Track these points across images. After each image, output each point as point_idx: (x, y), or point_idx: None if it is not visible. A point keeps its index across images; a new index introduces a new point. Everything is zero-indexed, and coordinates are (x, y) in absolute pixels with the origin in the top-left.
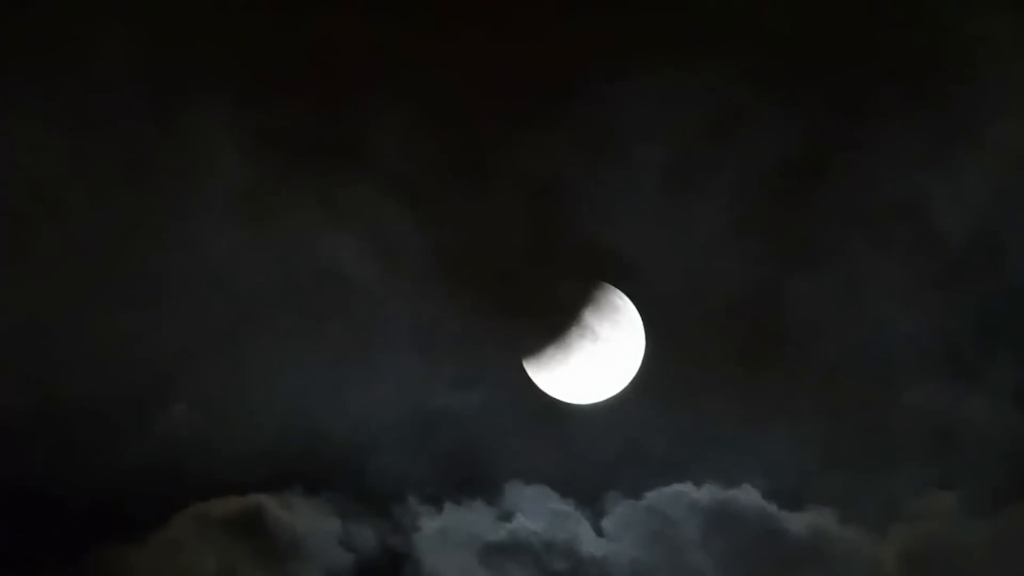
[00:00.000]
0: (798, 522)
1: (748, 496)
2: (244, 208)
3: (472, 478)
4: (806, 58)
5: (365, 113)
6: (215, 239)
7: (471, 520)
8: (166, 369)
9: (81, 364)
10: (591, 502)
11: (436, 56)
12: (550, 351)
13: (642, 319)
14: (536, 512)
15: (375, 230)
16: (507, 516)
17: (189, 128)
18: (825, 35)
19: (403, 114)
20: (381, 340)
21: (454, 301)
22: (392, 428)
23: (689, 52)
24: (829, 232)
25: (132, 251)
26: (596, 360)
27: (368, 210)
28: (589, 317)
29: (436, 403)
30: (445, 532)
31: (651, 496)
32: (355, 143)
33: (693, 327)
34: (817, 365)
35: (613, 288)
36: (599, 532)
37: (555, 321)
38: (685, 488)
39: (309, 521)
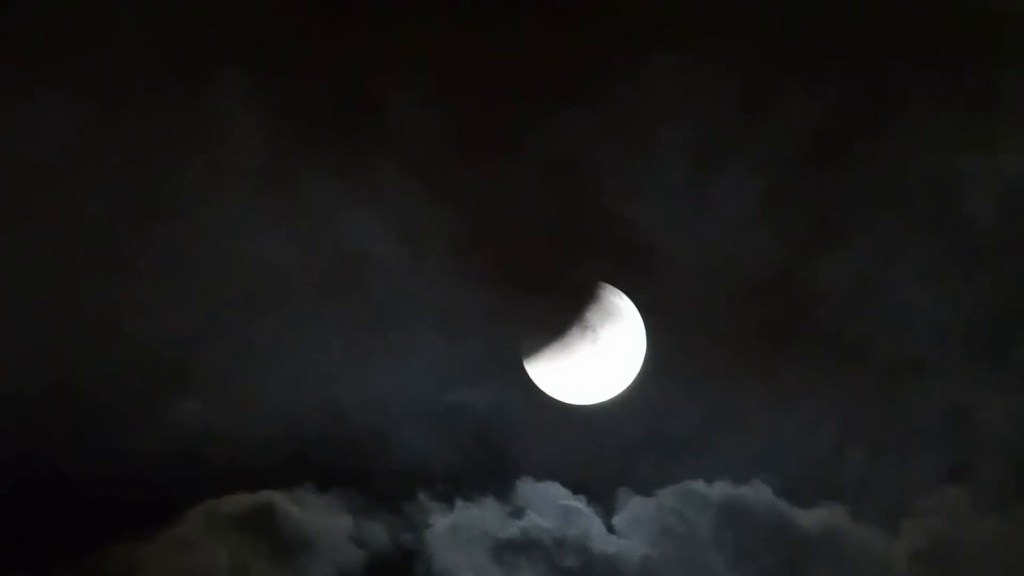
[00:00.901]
0: (809, 518)
1: (759, 493)
2: (262, 186)
3: (483, 474)
4: (832, 36)
5: (386, 91)
6: (232, 218)
7: (482, 517)
8: (181, 352)
9: (93, 348)
10: (602, 499)
11: (458, 34)
12: (551, 351)
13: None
14: (547, 509)
15: (395, 208)
16: (518, 513)
17: (206, 106)
18: (851, 12)
19: (425, 92)
20: (401, 319)
21: (475, 280)
22: (411, 410)
23: (713, 31)
24: (854, 212)
25: (147, 232)
26: (599, 358)
27: (389, 189)
28: (591, 317)
29: (449, 398)
30: (456, 529)
31: (662, 493)
32: (376, 121)
33: (715, 308)
34: (840, 347)
35: (614, 289)
36: (610, 529)
37: (557, 321)
38: (696, 485)
39: (320, 518)
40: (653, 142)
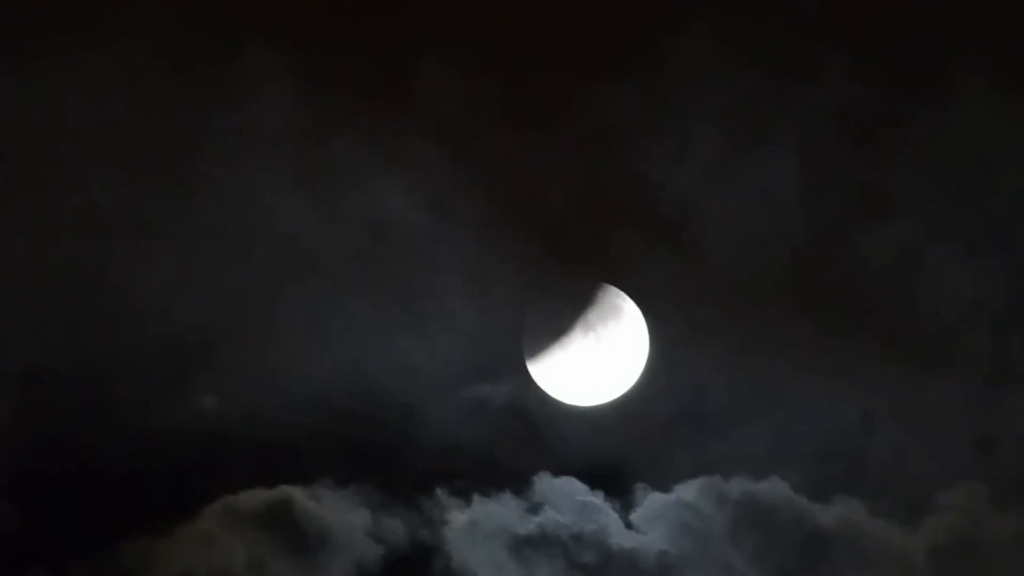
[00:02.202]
0: (827, 514)
1: (777, 488)
2: (292, 157)
3: (500, 470)
4: (874, 8)
5: (419, 60)
6: (262, 190)
7: (500, 513)
8: (207, 326)
9: (117, 323)
10: (620, 494)
11: (492, 2)
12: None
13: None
14: (565, 504)
15: (427, 179)
16: (535, 508)
17: (237, 77)
18: None
19: (458, 61)
20: (431, 291)
21: (506, 252)
22: (440, 383)
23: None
24: (893, 185)
25: (174, 203)
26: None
27: (420, 159)
28: (594, 318)
29: (465, 394)
30: (474, 525)
31: (680, 488)
32: (408, 91)
33: (749, 282)
34: (876, 323)
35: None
36: (628, 524)
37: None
38: (714, 480)
39: (338, 513)
40: (690, 113)
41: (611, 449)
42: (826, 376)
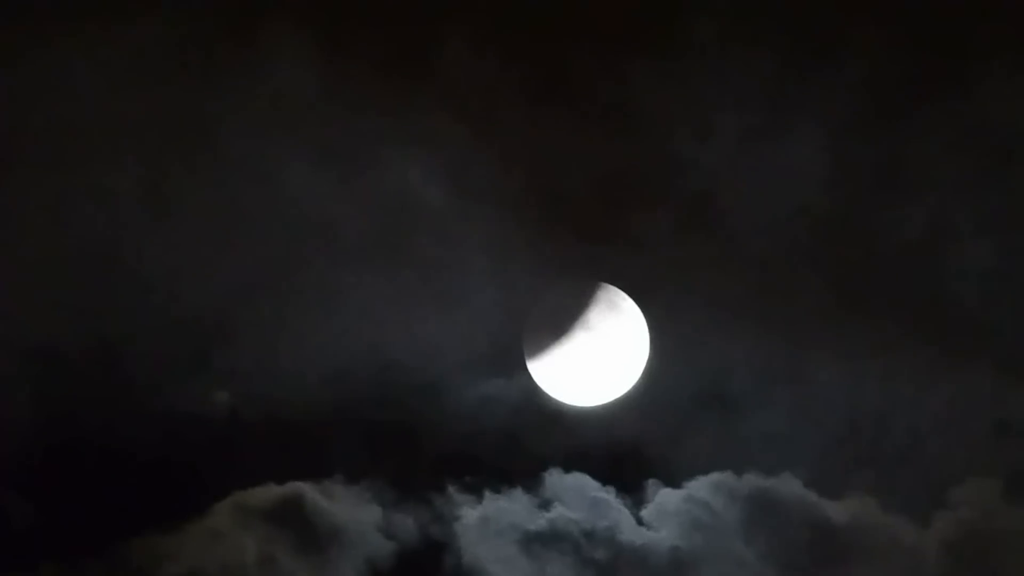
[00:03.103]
0: (839, 510)
1: (788, 485)
2: (312, 133)
3: (512, 466)
4: None
5: (440, 36)
6: (282, 165)
7: (511, 509)
8: (226, 302)
9: (134, 300)
10: (631, 490)
11: None
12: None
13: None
14: (576, 500)
15: (448, 155)
16: (547, 505)
17: (256, 52)
18: None
19: (481, 35)
20: (451, 267)
21: (528, 229)
22: (463, 363)
23: None
24: (923, 163)
25: (193, 178)
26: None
27: (441, 135)
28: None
29: (478, 390)
30: (485, 521)
31: (691, 485)
32: (431, 66)
33: (778, 257)
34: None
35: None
36: (639, 521)
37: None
38: (725, 477)
39: (349, 510)
40: (715, 91)
41: (624, 443)
42: (847, 357)
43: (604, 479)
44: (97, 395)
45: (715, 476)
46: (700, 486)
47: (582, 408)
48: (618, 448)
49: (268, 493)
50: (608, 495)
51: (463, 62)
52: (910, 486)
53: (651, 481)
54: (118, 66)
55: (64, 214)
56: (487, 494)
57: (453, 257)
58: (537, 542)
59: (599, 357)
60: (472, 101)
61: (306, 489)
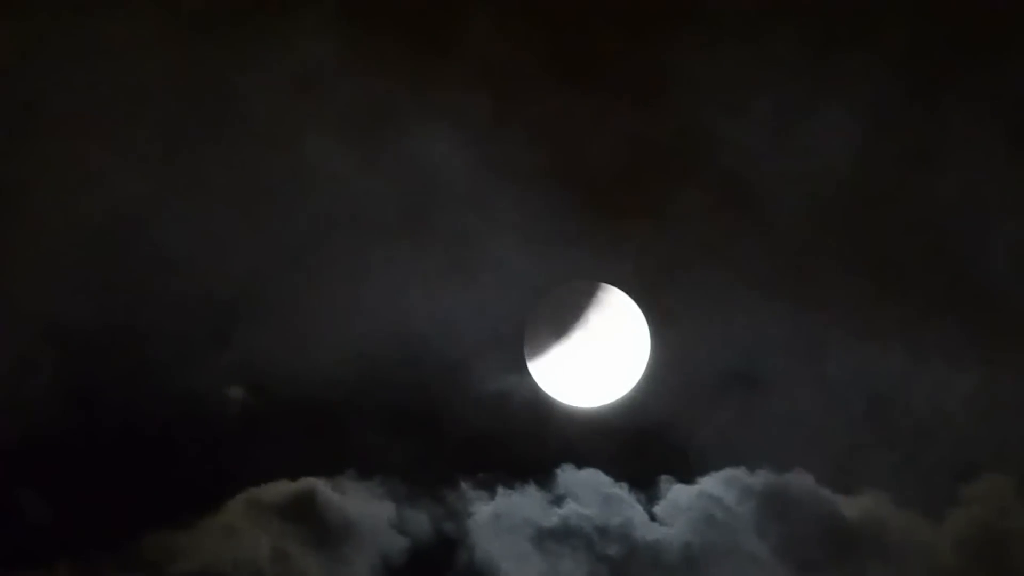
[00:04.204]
0: (852, 506)
1: (802, 480)
2: (338, 107)
3: (524, 462)
4: None
5: (466, 8)
6: (305, 139)
7: (524, 505)
8: (250, 280)
9: (158, 279)
10: (644, 486)
11: None
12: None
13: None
14: (588, 497)
15: (476, 130)
16: (559, 501)
17: (281, 23)
18: None
19: (506, 9)
20: (476, 241)
21: (554, 203)
22: (487, 342)
23: None
24: (955, 136)
25: (216, 152)
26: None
27: (467, 108)
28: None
29: (489, 388)
30: (498, 517)
31: (704, 481)
32: (456, 38)
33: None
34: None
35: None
36: (652, 517)
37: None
38: (738, 473)
39: (362, 505)
40: (744, 66)
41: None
42: (872, 338)
43: (617, 475)
44: (114, 376)
45: (728, 472)
46: (713, 482)
47: (585, 409)
48: (630, 445)
49: (281, 489)
50: (621, 491)
51: (490, 36)
52: (924, 482)
53: (664, 477)
54: (142, 40)
55: (83, 189)
56: (500, 490)
57: (479, 234)
58: (550, 538)
59: (600, 357)
60: (499, 76)
61: (319, 485)
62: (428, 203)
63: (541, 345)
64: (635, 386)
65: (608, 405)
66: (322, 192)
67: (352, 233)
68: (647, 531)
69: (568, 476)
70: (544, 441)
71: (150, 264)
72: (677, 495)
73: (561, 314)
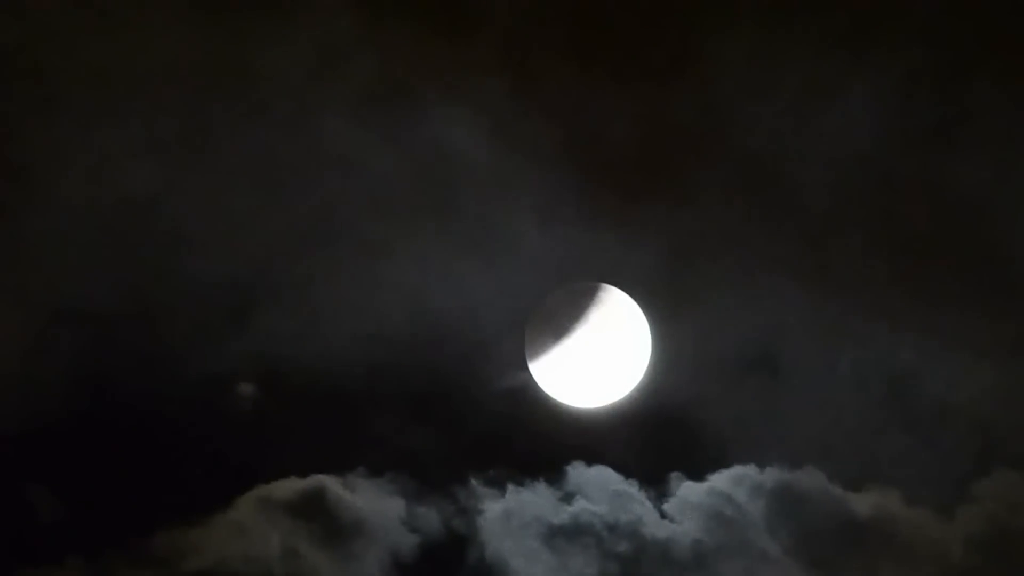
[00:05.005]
0: (863, 503)
1: (812, 478)
2: (356, 85)
3: (534, 459)
4: None
5: None
6: (323, 118)
7: (534, 502)
8: (269, 261)
9: (174, 258)
10: (654, 483)
11: None
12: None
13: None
14: (598, 494)
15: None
16: (569, 498)
17: (300, 8)
18: None
19: None
20: (497, 223)
21: (573, 184)
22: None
23: None
24: (981, 118)
25: (233, 132)
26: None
27: (486, 88)
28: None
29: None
30: (508, 514)
31: (714, 478)
32: (475, 18)
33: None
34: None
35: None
36: (662, 514)
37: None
38: (748, 470)
39: (372, 502)
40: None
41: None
42: (893, 324)
43: (627, 472)
44: (126, 363)
45: (738, 469)
46: (723, 479)
47: (588, 409)
48: (639, 442)
49: (291, 486)
50: (631, 488)
51: (510, 16)
52: (935, 479)
53: (674, 474)
54: (159, 19)
55: (99, 170)
56: (510, 487)
57: (498, 214)
58: (560, 535)
59: (602, 357)
60: (519, 55)
61: (329, 482)
62: (446, 184)
63: (542, 346)
64: (642, 382)
65: (615, 403)
66: (339, 174)
67: (370, 214)
68: (657, 528)
69: (578, 473)
70: (554, 438)
71: (165, 246)
72: (687, 492)
73: (561, 314)
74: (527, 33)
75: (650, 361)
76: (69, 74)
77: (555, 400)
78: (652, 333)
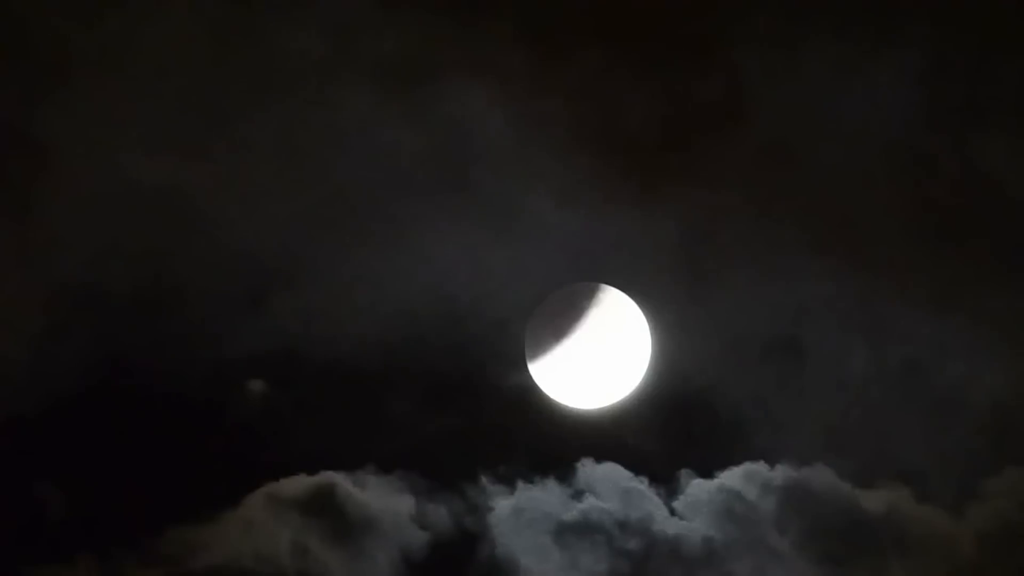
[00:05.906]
0: (873, 500)
1: (822, 475)
2: (375, 66)
3: (544, 457)
4: None
5: None
6: (343, 98)
7: (544, 499)
8: (287, 243)
9: (194, 241)
10: (664, 480)
11: None
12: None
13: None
14: (608, 491)
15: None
16: (579, 495)
17: None
18: None
19: None
20: (518, 202)
21: (593, 163)
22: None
23: None
24: (1010, 94)
25: (261, 116)
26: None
27: (508, 68)
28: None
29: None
30: (518, 511)
31: (724, 475)
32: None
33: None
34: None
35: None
36: (672, 511)
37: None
38: (758, 467)
39: (383, 500)
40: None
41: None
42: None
43: (636, 469)
44: (143, 344)
45: (748, 466)
46: (733, 476)
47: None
48: (649, 438)
49: (301, 483)
50: (641, 485)
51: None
52: (945, 476)
53: (684, 471)
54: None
55: (118, 148)
56: (520, 484)
57: (519, 193)
58: (570, 533)
59: (602, 358)
60: (540, 32)
61: (339, 479)
62: (467, 163)
63: (544, 347)
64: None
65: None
66: (359, 152)
67: (390, 193)
68: (667, 525)
69: (588, 470)
70: (563, 435)
71: (184, 225)
72: (697, 489)
73: (562, 315)
74: (548, 12)
75: (654, 359)
76: (88, 55)
77: (557, 402)
78: (657, 325)
